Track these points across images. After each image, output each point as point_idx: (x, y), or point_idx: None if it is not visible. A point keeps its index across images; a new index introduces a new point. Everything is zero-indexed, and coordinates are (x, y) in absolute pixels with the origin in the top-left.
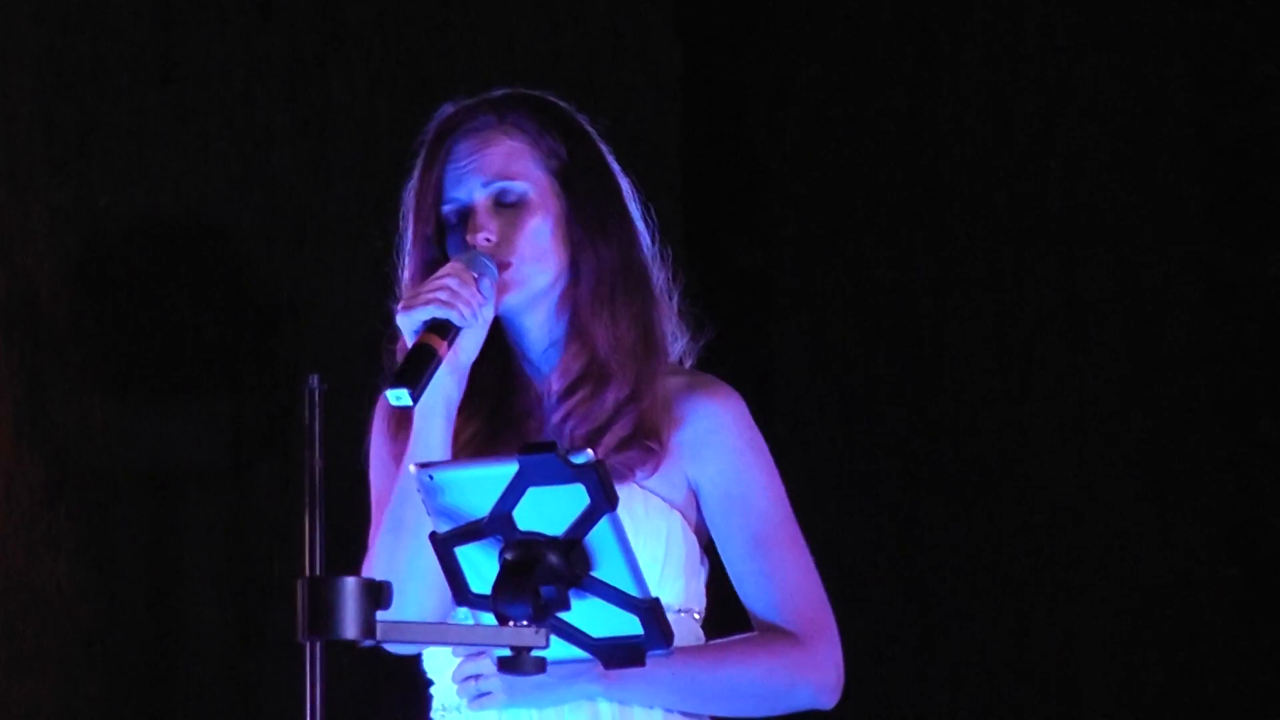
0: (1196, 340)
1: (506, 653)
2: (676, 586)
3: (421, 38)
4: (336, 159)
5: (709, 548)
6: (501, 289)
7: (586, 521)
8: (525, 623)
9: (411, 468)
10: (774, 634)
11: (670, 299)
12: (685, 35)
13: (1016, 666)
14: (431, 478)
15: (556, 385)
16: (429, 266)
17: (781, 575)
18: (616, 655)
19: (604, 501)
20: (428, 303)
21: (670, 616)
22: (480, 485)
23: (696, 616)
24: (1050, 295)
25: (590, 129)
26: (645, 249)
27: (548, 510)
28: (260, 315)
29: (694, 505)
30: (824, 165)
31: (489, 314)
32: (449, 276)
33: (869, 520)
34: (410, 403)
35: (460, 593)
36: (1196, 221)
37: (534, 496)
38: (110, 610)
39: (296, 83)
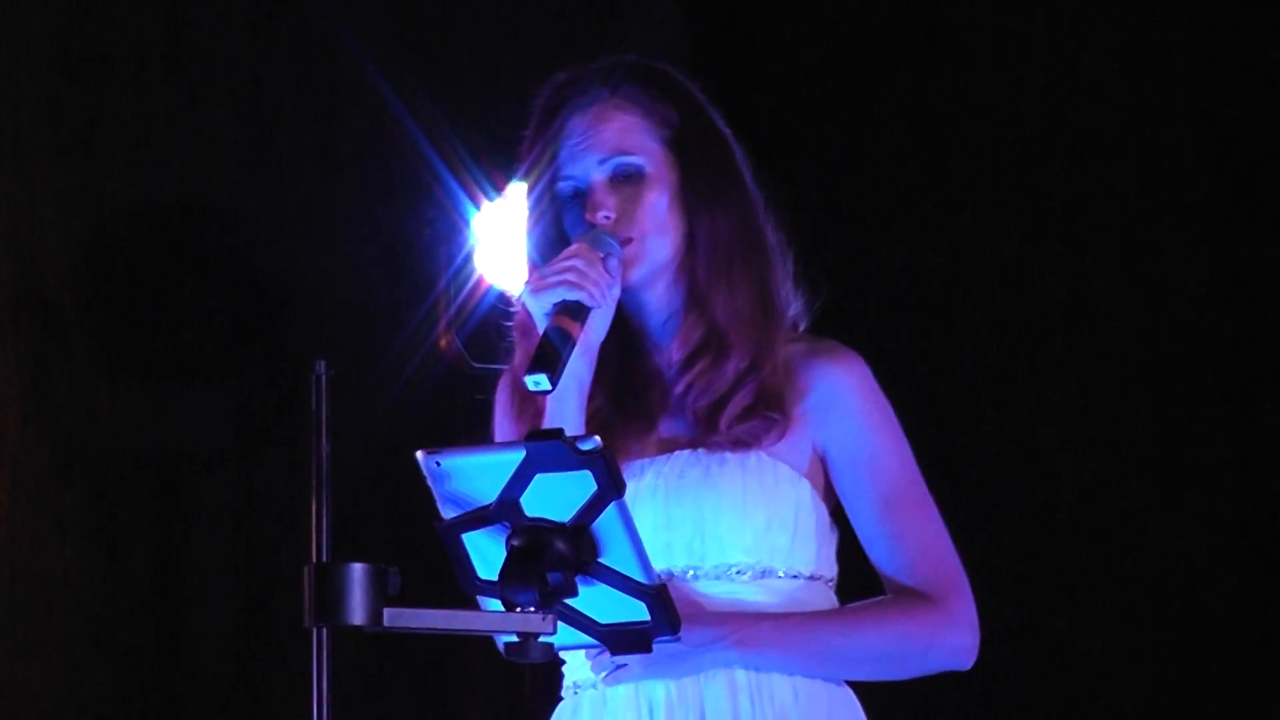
0: (1202, 329)
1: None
2: (808, 553)
3: (427, 25)
4: (342, 146)
5: (838, 513)
6: (625, 265)
7: (594, 508)
8: (532, 609)
9: (419, 454)
10: (907, 596)
11: (785, 262)
12: (692, 28)
13: (1025, 651)
14: (439, 464)
15: (676, 356)
16: (550, 245)
17: (912, 536)
18: (624, 641)
19: (611, 488)
20: (557, 285)
21: (802, 583)
22: (488, 472)
23: (829, 582)
24: (1056, 285)
25: (700, 95)
26: (760, 213)
27: (555, 497)
28: (267, 302)
29: (821, 472)
30: (830, 157)
31: (617, 292)
32: (576, 258)
33: None
34: (549, 388)
35: (467, 579)
36: (1202, 212)
37: (541, 483)
38: (117, 595)
39: (302, 70)
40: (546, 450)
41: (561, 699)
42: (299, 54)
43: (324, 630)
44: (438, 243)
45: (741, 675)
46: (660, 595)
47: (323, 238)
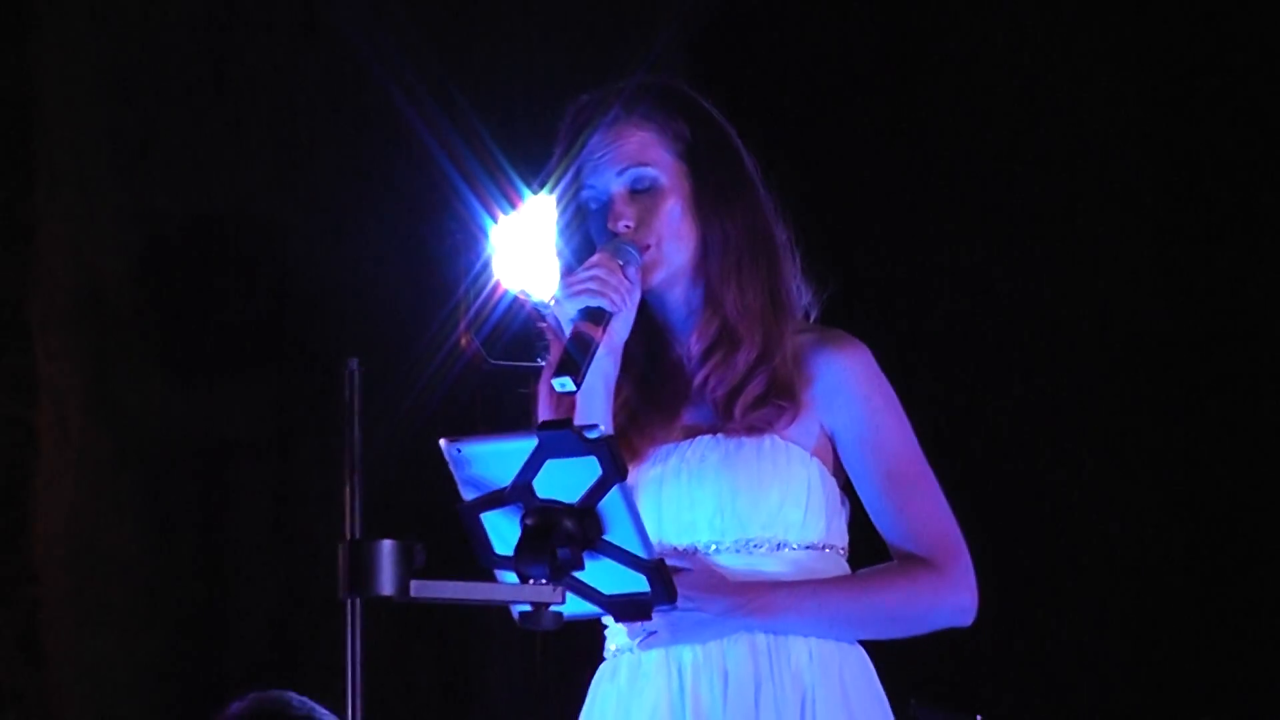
0: (1151, 331)
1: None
2: (820, 526)
3: (447, 58)
4: (371, 166)
5: (847, 487)
6: (645, 271)
7: (599, 490)
8: (544, 581)
9: (441, 442)
10: (912, 562)
11: (794, 257)
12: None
13: (993, 620)
14: (460, 451)
15: (695, 350)
16: (577, 252)
17: (915, 508)
18: (627, 610)
19: (614, 472)
20: (581, 293)
21: (815, 553)
22: (503, 458)
23: (840, 551)
24: (1020, 290)
25: (710, 108)
26: (769, 215)
27: (564, 480)
28: (303, 305)
29: (831, 450)
30: (815, 170)
31: (636, 297)
32: (598, 267)
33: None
34: (574, 389)
35: (485, 554)
36: (1153, 225)
37: (552, 468)
38: (169, 569)
39: (335, 97)
40: (556, 438)
41: (604, 659)
42: (332, 83)
43: (356, 601)
44: (458, 252)
45: (761, 639)
46: (659, 569)
47: (354, 248)
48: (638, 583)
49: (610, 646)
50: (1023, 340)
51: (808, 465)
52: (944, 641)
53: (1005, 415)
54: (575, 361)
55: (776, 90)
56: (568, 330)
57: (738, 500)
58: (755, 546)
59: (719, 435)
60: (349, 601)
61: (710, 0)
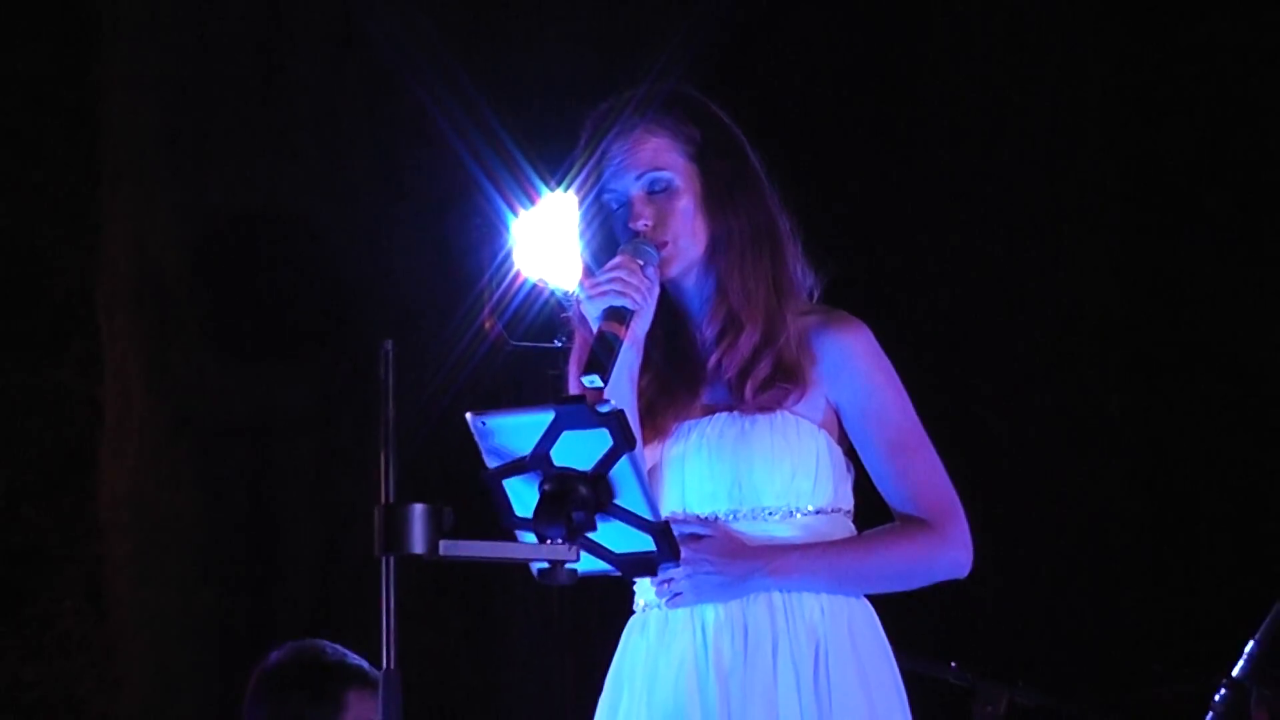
0: (1112, 316)
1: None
2: (828, 491)
3: (472, 64)
4: (405, 167)
5: (852, 453)
6: (663, 265)
7: (610, 459)
8: (560, 541)
9: (468, 415)
10: (912, 522)
11: (795, 244)
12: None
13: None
14: (484, 423)
15: (708, 335)
16: (600, 249)
17: (913, 473)
18: (635, 567)
19: (624, 443)
20: (605, 293)
21: (824, 517)
22: (524, 430)
23: (847, 514)
24: (992, 279)
25: (718, 111)
26: (773, 207)
27: (578, 450)
28: (343, 292)
29: (836, 422)
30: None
31: (655, 294)
32: (620, 268)
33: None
34: (602, 385)
35: (507, 516)
36: (1113, 219)
37: (567, 439)
38: (220, 530)
39: (371, 100)
40: (572, 412)
41: (634, 613)
42: (368, 90)
43: (391, 559)
44: (482, 243)
45: (778, 597)
46: (664, 530)
47: (388, 240)
48: (645, 542)
49: (639, 602)
50: (1002, 328)
51: (816, 437)
52: (921, 595)
53: (988, 397)
54: (602, 360)
55: (780, 90)
56: (594, 327)
57: (754, 473)
58: (770, 514)
59: (735, 413)
60: (384, 559)
61: (716, 8)
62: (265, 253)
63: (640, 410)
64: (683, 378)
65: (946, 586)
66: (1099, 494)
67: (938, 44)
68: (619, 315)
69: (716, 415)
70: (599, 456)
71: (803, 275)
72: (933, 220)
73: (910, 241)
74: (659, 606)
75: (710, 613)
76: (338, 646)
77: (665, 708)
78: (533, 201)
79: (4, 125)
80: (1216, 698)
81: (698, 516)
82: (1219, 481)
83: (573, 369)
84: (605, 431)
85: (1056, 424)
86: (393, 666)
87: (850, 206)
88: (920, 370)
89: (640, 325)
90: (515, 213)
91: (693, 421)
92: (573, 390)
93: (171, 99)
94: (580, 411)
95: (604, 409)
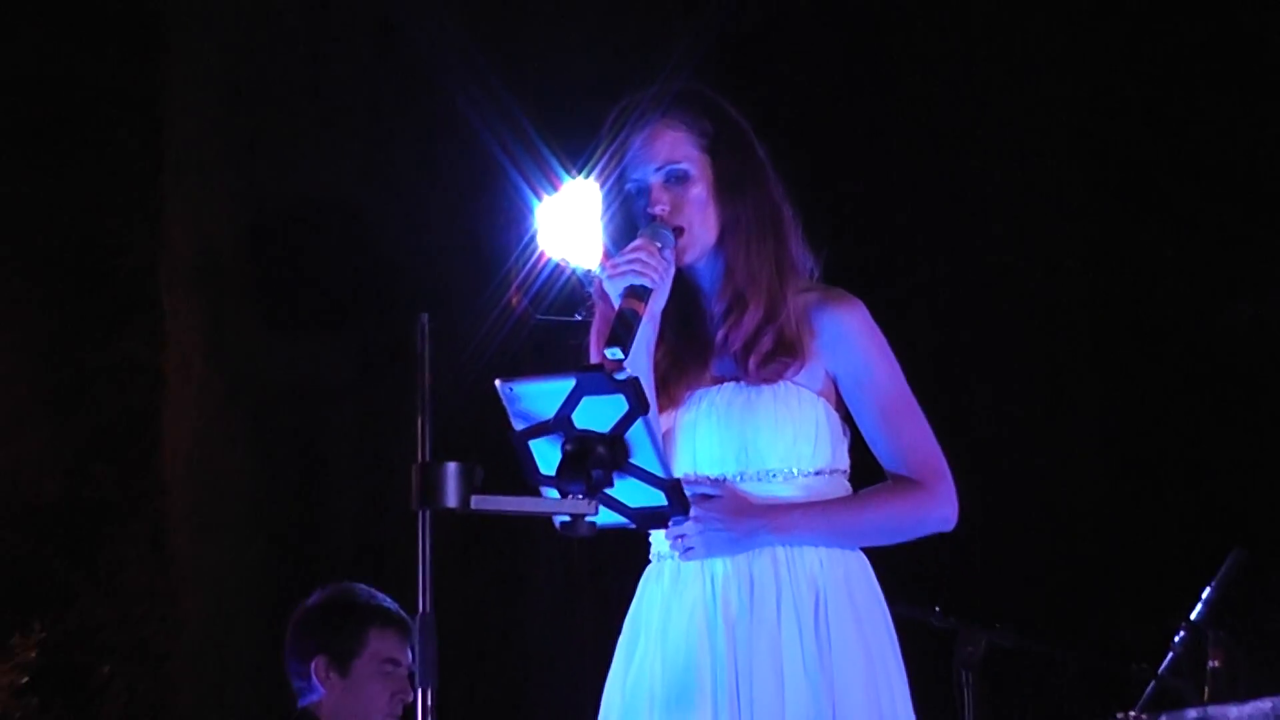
0: (1081, 296)
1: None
2: (826, 454)
3: (500, 64)
4: (440, 156)
5: (848, 418)
6: (680, 251)
7: (626, 422)
8: (580, 496)
9: (497, 382)
10: (903, 481)
11: (797, 230)
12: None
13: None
14: (511, 389)
15: (717, 311)
16: (620, 232)
17: (905, 436)
18: (648, 520)
19: (638, 407)
20: (625, 273)
21: (823, 477)
22: (548, 395)
23: (843, 474)
24: (975, 263)
25: (729, 107)
26: (777, 196)
27: (597, 414)
28: (383, 270)
29: (834, 391)
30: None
31: (671, 273)
32: (640, 250)
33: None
34: (623, 357)
35: (532, 474)
36: (1084, 210)
37: (588, 404)
38: (272, 488)
39: (408, 96)
40: (591, 379)
41: (649, 563)
42: (406, 88)
43: (427, 512)
44: (510, 227)
45: (781, 551)
46: (675, 487)
47: (425, 223)
48: (657, 498)
49: (655, 551)
50: (984, 306)
51: (815, 405)
52: (905, 547)
53: (972, 370)
54: (622, 334)
55: (779, 89)
56: (616, 304)
57: (759, 438)
58: (774, 475)
59: (741, 383)
60: (420, 513)
61: (720, 12)
62: (312, 234)
63: (655, 380)
64: (694, 351)
65: (932, 540)
66: (1070, 456)
67: (925, 50)
68: (638, 293)
69: (725, 385)
70: (616, 419)
71: (803, 258)
72: (922, 208)
73: (901, 228)
74: (672, 557)
75: (719, 565)
76: (371, 589)
77: (678, 651)
78: (555, 188)
79: (76, 119)
80: (1176, 639)
81: (708, 478)
82: (1178, 444)
83: (594, 341)
84: (621, 397)
85: (1032, 393)
86: (428, 610)
87: (846, 195)
88: (911, 345)
89: (657, 302)
90: (539, 198)
91: (703, 390)
92: (594, 361)
93: (227, 95)
94: (599, 379)
95: (620, 376)
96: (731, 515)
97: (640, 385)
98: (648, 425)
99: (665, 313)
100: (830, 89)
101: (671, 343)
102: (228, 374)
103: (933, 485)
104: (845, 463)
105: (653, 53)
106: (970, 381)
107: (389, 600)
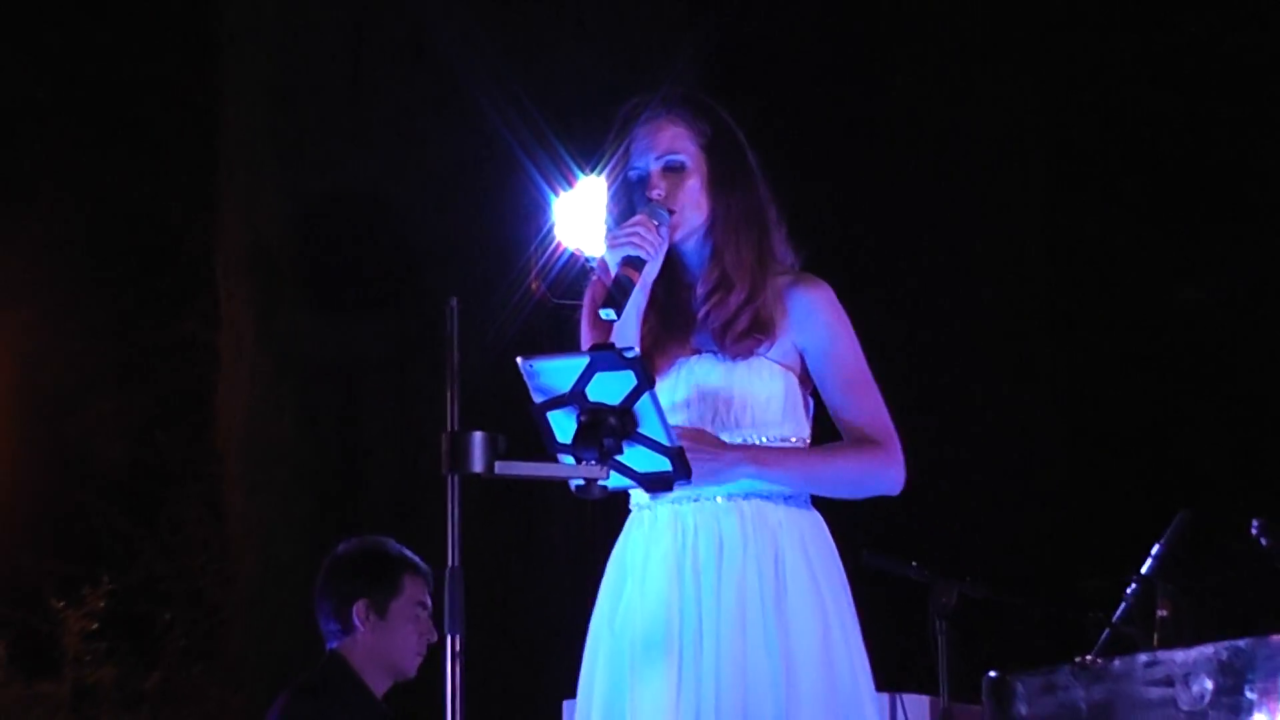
0: (1043, 279)
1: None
2: (792, 423)
3: (521, 71)
4: (469, 155)
5: (814, 396)
6: (671, 230)
7: (634, 395)
8: (593, 462)
9: (518, 359)
10: (863, 440)
11: (781, 227)
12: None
13: (923, 492)
14: (531, 366)
15: (701, 291)
16: (622, 212)
17: (864, 405)
18: (655, 483)
19: (645, 382)
20: (625, 244)
21: (790, 443)
22: (564, 371)
23: (805, 442)
24: (943, 247)
25: (726, 115)
26: (764, 196)
27: (609, 388)
28: (416, 258)
29: (801, 364)
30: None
31: (664, 249)
32: (638, 225)
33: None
34: (616, 318)
35: (550, 442)
36: (1042, 198)
37: (600, 379)
38: (316, 455)
39: (439, 101)
40: (603, 357)
41: (629, 511)
42: (436, 93)
43: (455, 476)
44: (529, 219)
45: (747, 507)
46: (678, 453)
47: (454, 216)
48: (663, 463)
49: (634, 502)
50: (952, 287)
51: (785, 377)
52: (886, 508)
53: (944, 350)
54: (618, 297)
55: (766, 97)
56: (614, 271)
57: (732, 406)
58: (746, 441)
59: (718, 355)
60: (449, 476)
61: (720, 27)
62: (352, 226)
63: (642, 347)
64: (678, 324)
65: (911, 502)
66: (1034, 426)
67: (899, 61)
68: (634, 263)
69: (703, 356)
70: (625, 393)
71: (785, 253)
72: (902, 203)
73: (878, 219)
74: (649, 507)
75: (690, 517)
76: (394, 541)
77: (653, 597)
78: (570, 184)
79: (140, 121)
80: (1129, 591)
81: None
82: (1132, 416)
83: (588, 306)
84: (630, 373)
85: (1000, 369)
86: (457, 565)
87: (833, 190)
88: (890, 327)
89: (650, 272)
90: (556, 194)
91: (683, 360)
92: (584, 330)
93: (275, 102)
94: (610, 357)
95: (629, 354)
96: (717, 448)
97: (647, 363)
98: (654, 398)
99: (655, 290)
100: (816, 92)
101: (658, 315)
102: (276, 351)
103: (889, 446)
104: (808, 432)
105: (657, 66)
106: (944, 360)
107: (414, 555)
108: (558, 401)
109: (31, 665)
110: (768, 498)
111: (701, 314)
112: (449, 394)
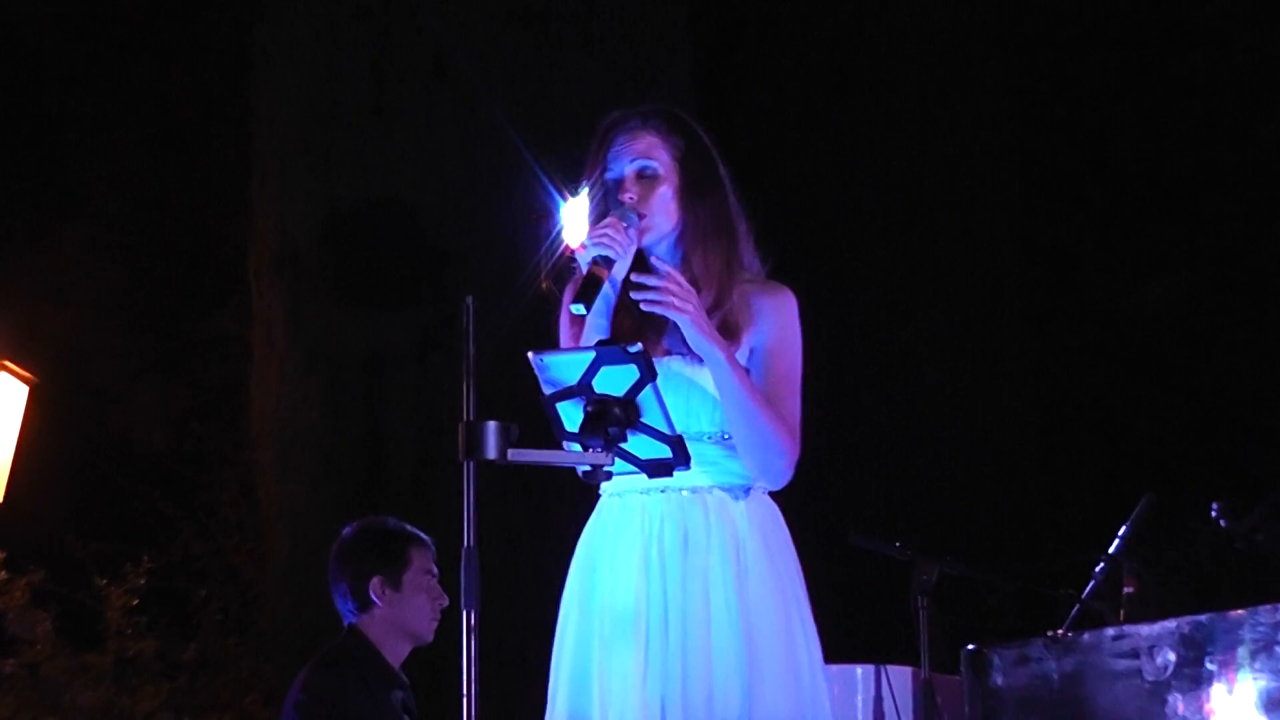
0: (1015, 277)
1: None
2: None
3: (535, 88)
4: (484, 163)
5: None
6: (641, 232)
7: (637, 388)
8: (599, 450)
9: (529, 354)
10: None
11: (749, 238)
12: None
13: (908, 474)
14: (541, 360)
15: None
16: (598, 215)
17: (784, 404)
18: (657, 469)
19: (648, 375)
20: (596, 243)
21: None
22: (572, 365)
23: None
24: (922, 247)
25: (701, 132)
26: (732, 208)
27: (614, 380)
28: (436, 259)
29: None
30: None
31: (634, 249)
32: (609, 227)
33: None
34: (585, 312)
35: (560, 431)
36: (1016, 204)
37: (605, 372)
38: (342, 441)
39: (457, 114)
40: (608, 352)
41: (598, 497)
42: (455, 107)
43: (471, 463)
44: (540, 223)
45: (710, 499)
46: (679, 441)
47: (471, 220)
48: (664, 451)
49: (603, 490)
50: (932, 283)
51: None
52: (872, 493)
53: (922, 345)
54: (588, 293)
55: (747, 115)
56: (584, 269)
57: (693, 405)
58: (709, 437)
59: (686, 357)
60: (466, 463)
61: (711, 43)
62: (376, 229)
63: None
64: (650, 326)
65: (895, 487)
66: (1008, 416)
67: (880, 77)
68: (604, 261)
69: (672, 357)
70: (629, 385)
71: (751, 261)
72: (886, 207)
73: (864, 224)
74: (618, 496)
75: (657, 508)
76: (399, 520)
77: (625, 582)
78: (578, 191)
79: (180, 133)
80: (1097, 569)
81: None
82: (1099, 406)
83: (564, 313)
84: (634, 366)
85: (975, 363)
86: (472, 545)
87: (821, 193)
88: (876, 323)
89: (620, 270)
90: (565, 199)
91: (655, 359)
92: (564, 327)
93: (305, 114)
94: (615, 352)
95: (633, 349)
96: (692, 297)
97: (650, 357)
98: (655, 390)
99: (629, 294)
100: (800, 105)
101: (631, 317)
102: (305, 346)
103: (793, 442)
104: None
105: (657, 83)
106: (924, 354)
107: (416, 529)
108: (566, 393)
109: (77, 638)
110: (728, 490)
111: (673, 323)
112: (465, 386)
